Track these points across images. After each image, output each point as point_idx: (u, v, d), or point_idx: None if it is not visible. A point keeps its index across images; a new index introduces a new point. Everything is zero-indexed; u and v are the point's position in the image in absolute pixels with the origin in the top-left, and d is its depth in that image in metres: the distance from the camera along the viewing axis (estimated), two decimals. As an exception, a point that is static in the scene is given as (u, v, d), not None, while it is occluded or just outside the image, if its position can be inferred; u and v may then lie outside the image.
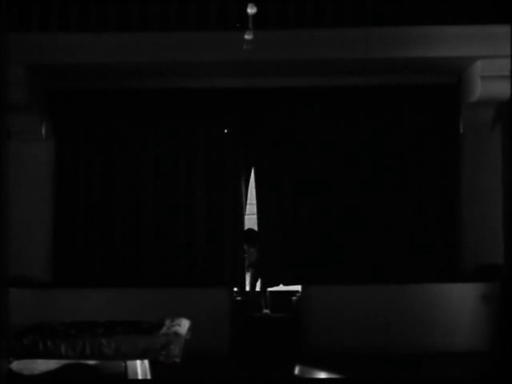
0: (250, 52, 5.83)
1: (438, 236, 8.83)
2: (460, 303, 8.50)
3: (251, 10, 5.37)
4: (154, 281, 8.72)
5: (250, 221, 9.35)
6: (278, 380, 6.57)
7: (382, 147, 8.95)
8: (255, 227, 9.16)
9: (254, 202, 9.12)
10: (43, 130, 8.96)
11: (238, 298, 9.26)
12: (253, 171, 9.09)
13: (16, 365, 4.81)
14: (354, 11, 8.06)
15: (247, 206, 9.16)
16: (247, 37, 5.52)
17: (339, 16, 8.05)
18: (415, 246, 8.81)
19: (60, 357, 4.78)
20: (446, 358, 8.06)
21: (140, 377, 4.92)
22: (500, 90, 7.95)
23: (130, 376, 4.88)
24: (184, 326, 5.26)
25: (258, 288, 9.38)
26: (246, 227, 9.18)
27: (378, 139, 8.96)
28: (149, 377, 5.12)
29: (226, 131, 9.03)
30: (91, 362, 4.84)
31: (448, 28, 7.87)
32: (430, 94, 8.90)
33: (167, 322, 5.30)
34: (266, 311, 9.18)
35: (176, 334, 4.91)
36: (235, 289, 9.10)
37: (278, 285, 9.06)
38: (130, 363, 4.86)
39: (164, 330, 5.02)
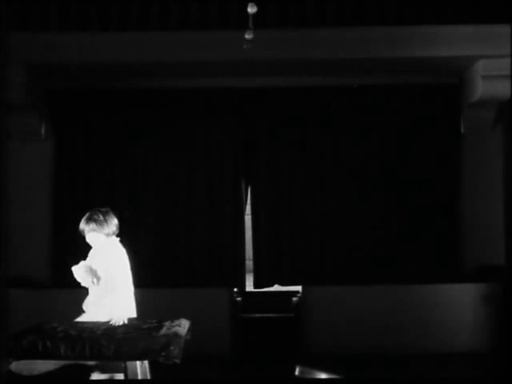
0: (249, 52, 5.83)
1: (438, 236, 8.83)
2: (461, 304, 8.49)
3: (251, 9, 5.36)
4: (154, 281, 8.71)
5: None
6: (278, 380, 6.56)
7: (382, 147, 8.95)
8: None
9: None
10: (43, 130, 8.96)
11: (238, 299, 9.24)
12: (250, 170, 9.08)
13: (15, 365, 4.80)
14: (354, 11, 8.05)
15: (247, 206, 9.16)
16: (247, 36, 5.51)
17: (339, 16, 8.04)
18: (415, 247, 8.81)
19: (59, 357, 4.77)
20: (447, 359, 8.05)
21: (140, 377, 4.92)
22: (501, 89, 7.94)
23: (130, 376, 4.87)
24: (184, 326, 5.25)
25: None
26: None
27: (378, 139, 8.96)
28: (149, 377, 5.11)
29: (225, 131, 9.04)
30: (91, 363, 4.83)
31: (449, 28, 7.86)
32: (430, 94, 8.90)
33: (167, 323, 5.29)
34: None
35: (176, 334, 4.90)
36: (235, 289, 9.08)
37: (272, 285, 9.05)
38: (129, 364, 4.85)
39: (164, 330, 5.01)
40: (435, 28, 7.89)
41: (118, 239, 5.66)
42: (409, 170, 8.90)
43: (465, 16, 7.93)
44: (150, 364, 5.10)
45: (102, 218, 5.57)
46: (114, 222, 5.58)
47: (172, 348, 4.76)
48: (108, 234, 5.54)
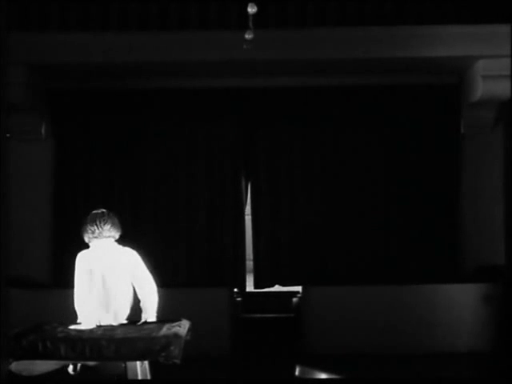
0: (249, 52, 5.83)
1: (438, 236, 8.82)
2: (461, 304, 8.49)
3: (251, 9, 5.36)
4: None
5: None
6: (278, 380, 6.57)
7: (382, 147, 8.94)
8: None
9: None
10: (43, 130, 8.96)
11: (239, 299, 9.24)
12: (250, 170, 9.08)
13: (15, 365, 4.80)
14: (354, 11, 8.05)
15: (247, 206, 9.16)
16: (247, 36, 5.51)
17: (339, 16, 8.04)
18: (416, 247, 8.80)
19: (59, 357, 4.77)
20: (447, 359, 8.05)
21: (140, 377, 4.91)
22: (501, 89, 7.94)
23: (130, 377, 4.87)
24: (184, 326, 5.24)
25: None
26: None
27: (378, 139, 8.96)
28: (149, 377, 5.11)
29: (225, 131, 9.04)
30: (91, 363, 4.83)
31: (449, 28, 7.85)
32: (430, 94, 8.89)
33: (167, 323, 5.29)
34: None
35: (176, 334, 4.90)
36: (235, 289, 9.08)
37: (272, 285, 9.05)
38: (129, 364, 4.85)
39: (164, 330, 5.01)
40: (435, 28, 7.89)
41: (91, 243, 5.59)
42: (409, 170, 8.90)
43: (465, 16, 7.93)
44: (150, 364, 5.10)
45: None
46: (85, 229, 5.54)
47: (172, 348, 4.76)
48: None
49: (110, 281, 5.41)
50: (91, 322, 5.31)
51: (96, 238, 5.49)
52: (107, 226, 5.47)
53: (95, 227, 5.46)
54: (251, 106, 9.00)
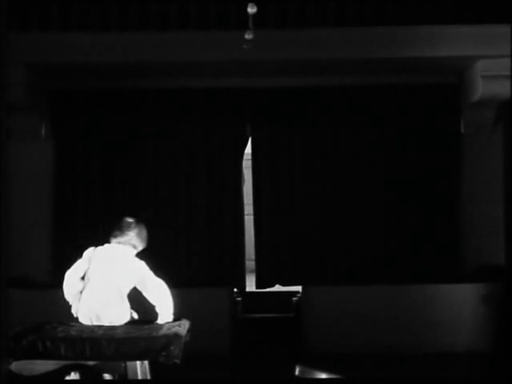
0: (249, 52, 5.83)
1: (439, 236, 8.83)
2: (461, 304, 8.49)
3: (251, 9, 5.36)
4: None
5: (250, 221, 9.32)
6: (278, 381, 6.56)
7: (382, 147, 8.95)
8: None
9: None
10: (43, 130, 8.96)
11: (238, 299, 9.24)
12: (251, 170, 9.09)
13: (15, 365, 4.80)
14: (354, 11, 8.06)
15: (246, 207, 9.16)
16: (247, 37, 5.52)
17: (339, 16, 8.05)
18: (416, 246, 8.81)
19: (59, 357, 4.77)
20: (447, 359, 8.05)
21: (140, 377, 4.91)
22: (501, 89, 7.94)
23: (130, 376, 4.87)
24: (184, 326, 5.25)
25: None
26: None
27: (378, 139, 8.96)
28: (149, 377, 5.11)
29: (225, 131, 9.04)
30: (91, 363, 4.83)
31: (449, 28, 7.86)
32: (430, 94, 8.89)
33: (167, 323, 5.29)
34: None
35: (176, 334, 4.90)
36: (235, 289, 9.08)
37: (273, 285, 9.05)
38: (129, 364, 4.85)
39: (164, 330, 5.01)
40: (435, 28, 7.89)
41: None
42: (409, 169, 8.90)
43: (465, 16, 7.94)
44: (150, 364, 5.10)
45: None
46: None
47: (172, 348, 4.76)
48: None
49: (99, 284, 5.37)
50: (71, 297, 5.34)
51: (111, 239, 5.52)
52: (117, 232, 5.49)
53: (114, 230, 5.51)
54: (251, 106, 9.00)
